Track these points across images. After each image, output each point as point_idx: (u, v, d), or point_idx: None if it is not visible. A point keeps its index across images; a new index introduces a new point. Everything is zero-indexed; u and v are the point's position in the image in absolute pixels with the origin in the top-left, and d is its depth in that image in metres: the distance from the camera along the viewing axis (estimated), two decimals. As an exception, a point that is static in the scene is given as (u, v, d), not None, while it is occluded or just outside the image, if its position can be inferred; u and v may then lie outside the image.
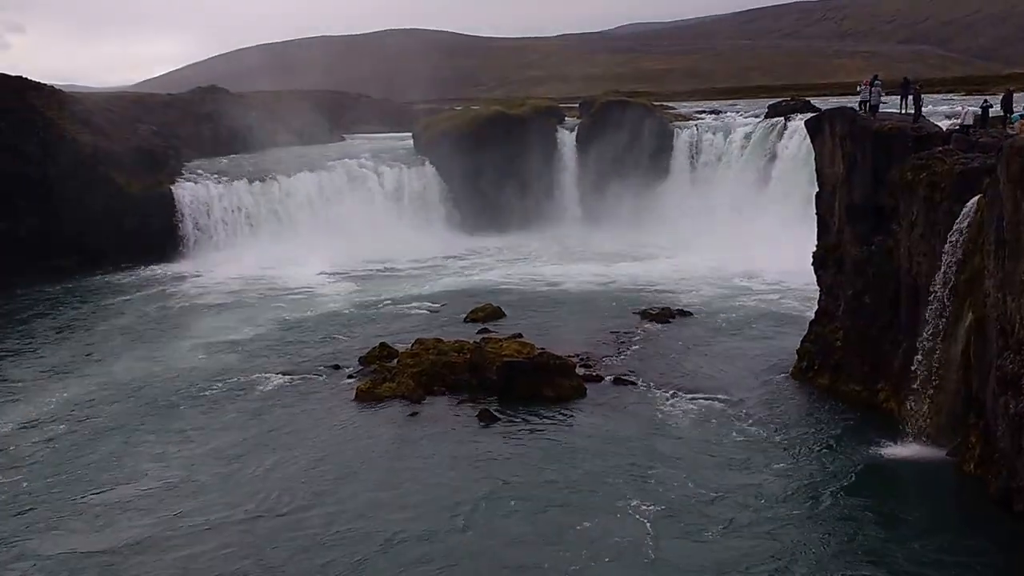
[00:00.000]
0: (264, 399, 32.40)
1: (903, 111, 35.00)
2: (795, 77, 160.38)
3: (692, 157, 68.67)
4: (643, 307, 43.53)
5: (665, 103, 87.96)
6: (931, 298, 25.63)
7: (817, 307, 34.07)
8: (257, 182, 66.28)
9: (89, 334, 43.14)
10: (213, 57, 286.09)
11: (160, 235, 61.34)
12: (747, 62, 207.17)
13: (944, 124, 34.57)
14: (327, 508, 23.68)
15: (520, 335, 37.49)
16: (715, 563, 20.43)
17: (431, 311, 45.25)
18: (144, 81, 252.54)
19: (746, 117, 71.01)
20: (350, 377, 34.41)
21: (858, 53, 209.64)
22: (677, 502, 23.24)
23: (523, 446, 27.60)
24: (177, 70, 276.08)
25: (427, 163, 72.35)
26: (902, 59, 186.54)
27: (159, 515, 23.55)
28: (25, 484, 25.68)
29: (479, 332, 39.39)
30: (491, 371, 32.21)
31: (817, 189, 35.51)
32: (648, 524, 22.13)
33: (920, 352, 26.15)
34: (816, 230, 35.05)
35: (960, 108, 36.92)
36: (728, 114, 75.98)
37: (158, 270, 58.54)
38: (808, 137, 38.41)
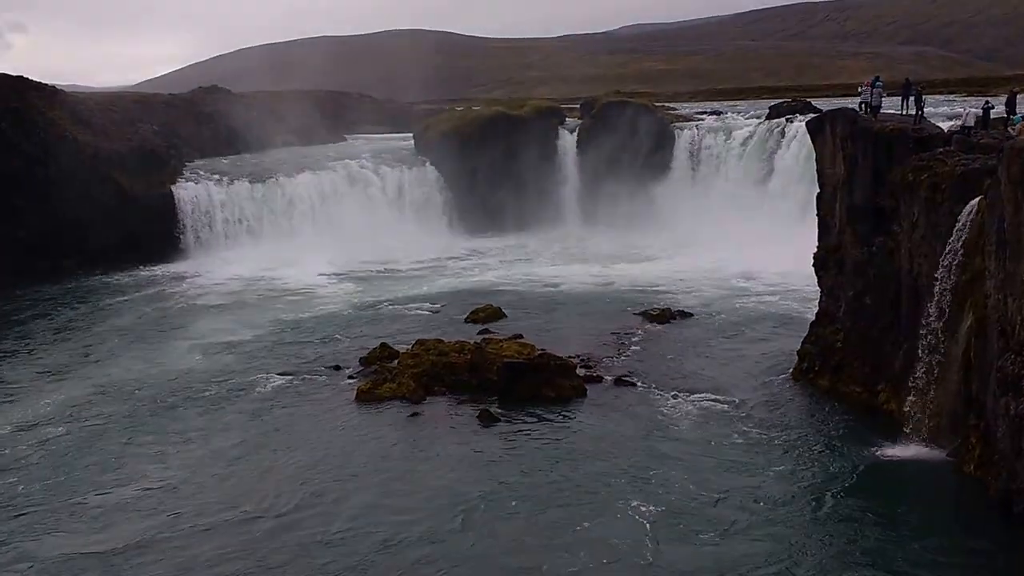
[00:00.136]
0: (264, 400, 32.38)
1: (904, 112, 34.98)
2: (797, 78, 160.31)
3: (693, 158, 68.68)
4: (643, 308, 43.52)
5: (666, 104, 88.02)
6: (932, 299, 25.62)
7: (818, 308, 34.07)
8: (258, 183, 66.26)
9: (88, 335, 43.11)
10: (214, 57, 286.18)
11: (160, 235, 61.26)
12: (749, 63, 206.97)
13: (945, 125, 34.58)
14: (327, 509, 23.66)
15: (520, 336, 37.49)
16: (715, 564, 20.42)
17: (431, 312, 45.24)
18: (145, 81, 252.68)
19: (747, 118, 71.04)
20: (350, 378, 34.39)
21: (861, 54, 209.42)
22: (677, 503, 23.23)
23: (523, 447, 27.58)
24: (178, 70, 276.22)
25: (428, 164, 72.30)
26: (904, 60, 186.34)
27: (159, 516, 23.53)
28: (23, 486, 25.64)
29: (479, 333, 39.39)
30: (492, 372, 32.20)
31: (818, 190, 35.51)
32: (648, 525, 22.13)
33: (921, 353, 26.14)
34: (817, 231, 35.04)
35: (961, 109, 36.91)
36: (729, 115, 76.01)
37: (158, 270, 58.51)
38: (809, 138, 38.38)
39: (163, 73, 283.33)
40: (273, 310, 46.55)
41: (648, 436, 27.98)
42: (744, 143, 65.49)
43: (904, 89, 35.92)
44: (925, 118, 33.04)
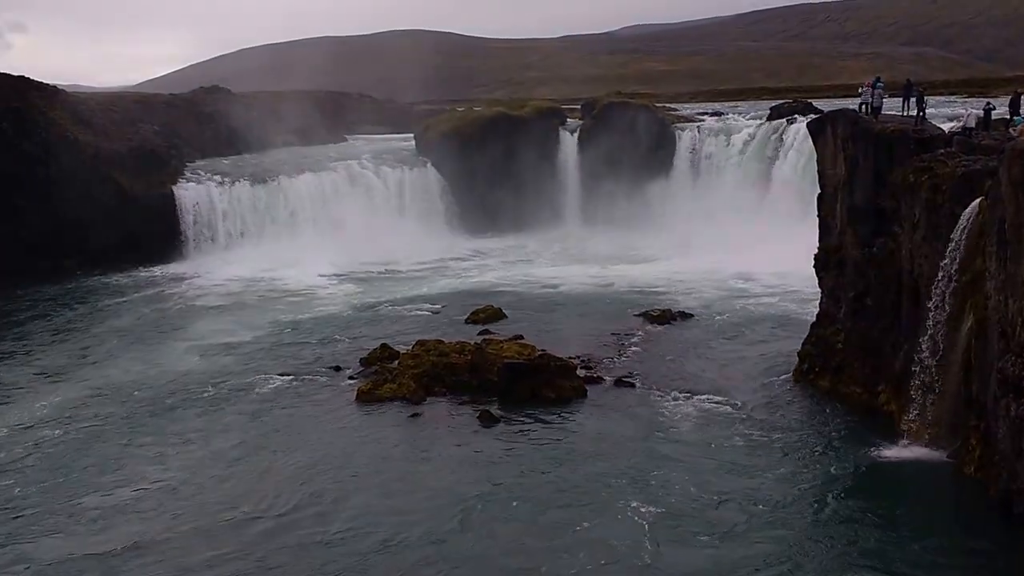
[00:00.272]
0: (264, 401, 32.35)
1: (905, 113, 34.96)
2: (798, 79, 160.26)
3: (693, 158, 68.66)
4: (643, 309, 43.49)
5: (667, 104, 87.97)
6: (932, 300, 25.58)
7: (818, 309, 34.04)
8: (259, 184, 66.21)
9: (87, 336, 43.06)
10: (215, 57, 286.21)
11: (161, 236, 61.18)
12: (750, 64, 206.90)
13: (946, 126, 34.53)
14: (327, 509, 23.65)
15: (521, 336, 37.47)
16: (715, 566, 20.40)
17: (432, 312, 45.22)
18: (146, 81, 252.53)
19: (748, 119, 70.97)
20: (351, 378, 34.37)
21: (861, 55, 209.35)
22: (677, 504, 23.21)
23: (524, 447, 27.57)
24: (179, 70, 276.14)
25: (428, 164, 72.25)
26: (905, 61, 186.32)
27: (158, 517, 23.51)
28: (21, 487, 25.61)
29: (480, 333, 39.37)
30: (492, 372, 32.18)
31: (818, 191, 35.47)
32: (648, 526, 22.10)
33: (921, 354, 26.10)
34: (817, 232, 35.00)
35: (962, 110, 36.88)
36: (730, 116, 75.94)
37: (158, 271, 58.42)
38: (810, 139, 38.35)
39: (163, 73, 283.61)
40: (273, 311, 46.52)
41: (648, 437, 27.95)
42: (745, 144, 65.46)
43: (905, 90, 35.90)
44: (926, 119, 33.01)
